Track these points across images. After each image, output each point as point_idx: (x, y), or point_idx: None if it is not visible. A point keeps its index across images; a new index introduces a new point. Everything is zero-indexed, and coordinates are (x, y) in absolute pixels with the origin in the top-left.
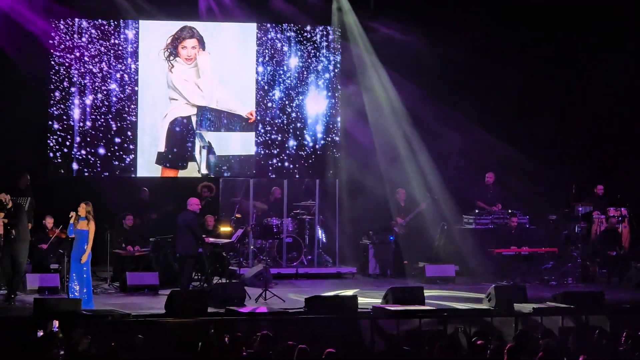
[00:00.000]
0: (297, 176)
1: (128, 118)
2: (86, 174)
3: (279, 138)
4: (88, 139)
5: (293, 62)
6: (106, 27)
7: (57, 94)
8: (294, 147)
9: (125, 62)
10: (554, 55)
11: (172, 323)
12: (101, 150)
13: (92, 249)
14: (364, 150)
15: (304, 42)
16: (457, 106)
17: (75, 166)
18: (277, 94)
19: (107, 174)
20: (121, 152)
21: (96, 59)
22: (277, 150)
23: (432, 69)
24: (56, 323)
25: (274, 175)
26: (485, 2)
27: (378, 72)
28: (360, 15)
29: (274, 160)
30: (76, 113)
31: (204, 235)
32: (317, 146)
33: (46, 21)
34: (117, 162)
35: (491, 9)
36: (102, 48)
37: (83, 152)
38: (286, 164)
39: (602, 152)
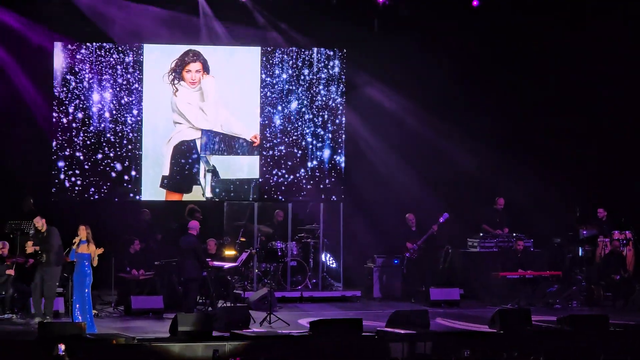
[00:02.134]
0: (306, 198)
1: (132, 141)
2: (90, 197)
3: (284, 161)
4: (92, 163)
5: (297, 85)
6: (110, 51)
7: (61, 117)
8: (299, 171)
9: (129, 86)
10: (558, 79)
11: (176, 347)
12: (105, 174)
13: (97, 272)
14: (369, 173)
15: (309, 65)
16: (463, 129)
17: (79, 189)
18: (281, 117)
19: (111, 197)
20: (125, 176)
21: (100, 83)
22: (282, 173)
23: (437, 90)
24: (62, 347)
25: (280, 198)
26: (489, 23)
27: (382, 95)
28: (365, 37)
29: (279, 184)
30: (80, 136)
31: (208, 259)
32: (321, 169)
33: (50, 46)
34: (121, 186)
35: (495, 31)
36: (107, 72)
37: (87, 175)
38: (291, 187)
39: (606, 175)
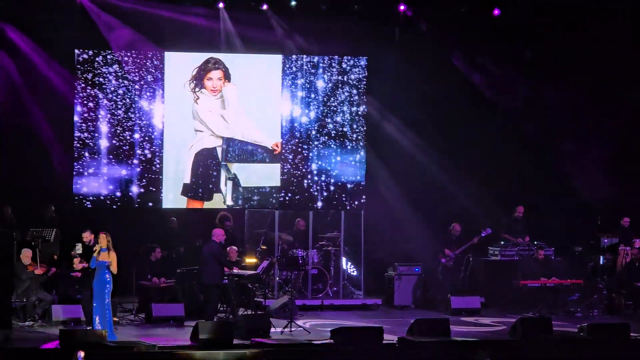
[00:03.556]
0: (327, 206)
1: (154, 149)
2: (112, 205)
3: (305, 169)
4: (113, 170)
5: (319, 93)
6: (132, 59)
7: (83, 124)
8: (320, 179)
9: (150, 94)
10: (575, 89)
11: (197, 355)
12: (127, 182)
13: (117, 280)
14: (390, 181)
15: (330, 73)
16: (482, 135)
17: (101, 197)
18: (302, 125)
19: (132, 205)
20: (147, 184)
21: (122, 91)
22: (303, 181)
23: (456, 97)
24: (81, 354)
25: (305, 199)
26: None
27: (403, 103)
28: (386, 46)
29: (300, 192)
30: (102, 144)
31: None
32: (342, 177)
33: (70, 55)
34: (142, 193)
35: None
36: (128, 79)
37: (108, 182)
38: (312, 195)
39: (627, 184)
